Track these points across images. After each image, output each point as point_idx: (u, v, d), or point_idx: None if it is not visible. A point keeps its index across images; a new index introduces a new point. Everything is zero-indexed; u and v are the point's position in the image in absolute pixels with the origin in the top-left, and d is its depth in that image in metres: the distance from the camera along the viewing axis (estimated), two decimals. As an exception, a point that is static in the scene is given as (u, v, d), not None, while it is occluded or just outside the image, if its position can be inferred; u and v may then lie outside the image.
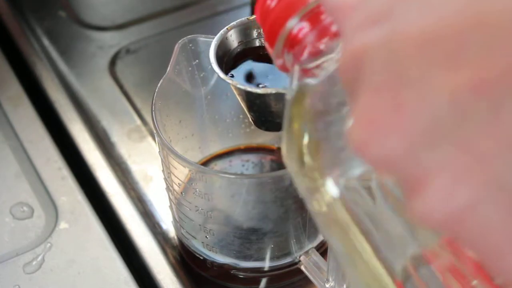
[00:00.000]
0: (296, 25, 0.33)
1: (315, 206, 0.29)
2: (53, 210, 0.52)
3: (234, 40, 0.41)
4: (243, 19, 0.41)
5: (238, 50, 0.41)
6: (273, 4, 0.34)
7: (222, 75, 0.39)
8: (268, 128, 0.42)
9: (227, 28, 0.41)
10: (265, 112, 0.40)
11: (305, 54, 0.32)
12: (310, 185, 0.28)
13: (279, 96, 0.38)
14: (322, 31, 0.32)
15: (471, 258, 0.26)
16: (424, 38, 0.22)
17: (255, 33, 0.41)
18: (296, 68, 0.31)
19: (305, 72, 0.31)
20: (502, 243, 0.21)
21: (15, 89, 0.61)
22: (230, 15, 0.69)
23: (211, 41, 0.41)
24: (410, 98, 0.22)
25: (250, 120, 0.42)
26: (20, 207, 0.52)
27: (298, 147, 0.29)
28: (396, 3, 0.23)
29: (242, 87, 0.38)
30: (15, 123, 0.58)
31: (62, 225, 0.51)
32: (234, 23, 0.41)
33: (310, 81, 0.30)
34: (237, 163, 0.54)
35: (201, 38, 0.45)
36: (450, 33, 0.21)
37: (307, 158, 0.29)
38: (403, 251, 0.27)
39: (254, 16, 0.40)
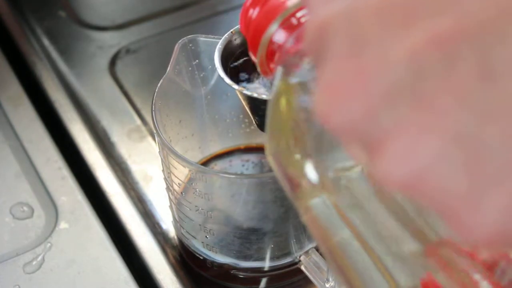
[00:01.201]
0: (277, 31, 0.33)
1: (301, 205, 0.29)
2: (53, 210, 0.52)
3: (238, 43, 0.41)
4: None
5: (243, 53, 0.41)
6: (254, 13, 0.35)
7: (228, 80, 0.39)
8: None
9: (231, 32, 0.41)
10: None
11: (288, 54, 0.32)
12: (294, 175, 0.29)
13: None
14: (302, 33, 0.32)
15: (472, 255, 0.26)
16: (381, 4, 0.22)
17: None
18: (279, 68, 0.31)
19: (288, 70, 0.31)
20: (462, 200, 0.21)
21: (15, 89, 0.61)
22: (230, 15, 0.69)
23: (211, 41, 0.41)
24: (369, 62, 0.22)
25: (254, 123, 0.42)
26: (20, 207, 0.52)
27: (284, 137, 0.29)
28: None
29: (248, 93, 0.38)
30: (15, 123, 0.58)
31: (62, 225, 0.51)
32: (238, 26, 0.41)
33: (293, 78, 0.30)
34: (237, 163, 0.54)
35: (201, 38, 0.45)
36: None
37: (291, 151, 0.29)
38: (398, 248, 0.27)
39: None
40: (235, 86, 0.39)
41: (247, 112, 0.41)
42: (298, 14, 0.33)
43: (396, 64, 0.21)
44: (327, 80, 0.23)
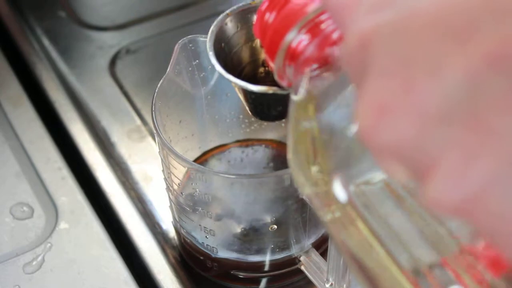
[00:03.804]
0: (296, 38, 0.32)
1: (327, 215, 0.28)
2: (53, 210, 0.52)
3: (233, 26, 0.40)
4: (244, 3, 0.40)
5: (237, 36, 0.40)
6: (271, 18, 0.34)
7: (218, 67, 0.38)
8: (263, 118, 0.41)
9: (227, 13, 0.40)
10: (260, 104, 0.39)
11: (310, 63, 0.32)
12: (319, 191, 0.28)
13: (276, 94, 0.38)
14: (323, 40, 0.32)
15: (489, 257, 0.25)
16: (432, 16, 0.21)
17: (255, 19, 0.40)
18: (305, 75, 0.31)
19: (311, 79, 0.30)
20: None
21: (15, 89, 0.61)
22: (230, 15, 0.69)
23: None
24: (420, 78, 0.21)
25: (247, 109, 0.41)
26: (20, 207, 0.52)
27: (305, 151, 0.29)
28: None
29: (239, 83, 0.37)
30: (15, 123, 0.58)
31: (62, 225, 0.51)
32: (234, 7, 0.40)
33: (317, 87, 0.30)
34: (236, 151, 0.54)
35: (201, 38, 0.45)
36: (459, 9, 0.20)
37: (314, 164, 0.28)
38: (416, 255, 0.27)
39: (255, 1, 0.39)
40: (226, 75, 0.38)
41: (248, 112, 0.41)
42: (319, 20, 0.32)
43: (451, 82, 0.20)
44: (373, 97, 0.22)
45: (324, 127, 0.28)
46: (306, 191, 0.29)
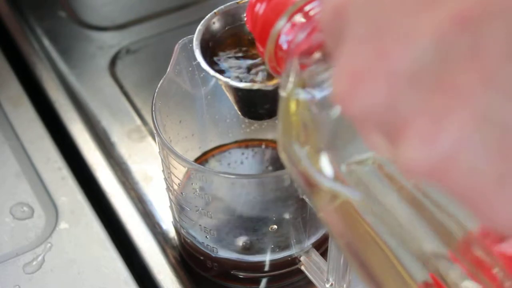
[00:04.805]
0: (286, 25, 0.33)
1: (317, 201, 0.28)
2: (53, 210, 0.52)
3: (220, 25, 0.40)
4: (231, 3, 0.40)
5: (225, 35, 0.40)
6: (261, 9, 0.34)
7: (204, 65, 0.38)
8: (252, 117, 0.41)
9: (214, 13, 0.40)
10: (248, 102, 0.40)
11: (299, 50, 0.32)
12: (306, 171, 0.28)
13: (261, 90, 0.38)
14: (312, 27, 0.32)
15: (500, 253, 0.25)
16: None
17: (243, 18, 0.41)
18: (294, 62, 0.31)
19: (299, 66, 0.30)
20: (491, 184, 0.20)
21: (15, 89, 0.61)
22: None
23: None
24: (391, 43, 0.21)
25: (236, 109, 0.41)
26: (20, 207, 0.52)
27: (295, 132, 0.29)
28: None
29: (223, 79, 0.38)
30: (15, 123, 0.58)
31: (62, 225, 0.51)
32: (222, 7, 0.40)
33: (304, 73, 0.30)
34: (236, 152, 0.54)
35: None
36: None
37: (304, 145, 0.28)
38: (413, 244, 0.27)
39: (243, 1, 0.40)
40: (212, 72, 0.38)
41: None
42: (307, 8, 0.32)
43: (420, 45, 0.20)
44: (346, 63, 0.22)
45: (314, 109, 0.28)
46: (295, 169, 0.29)
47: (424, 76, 0.20)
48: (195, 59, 0.46)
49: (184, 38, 0.45)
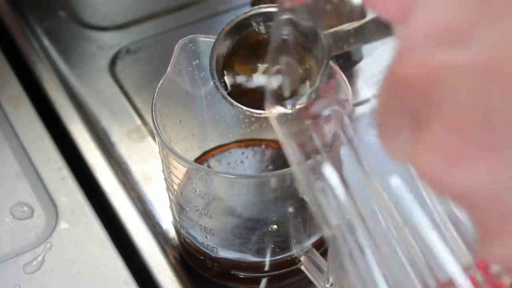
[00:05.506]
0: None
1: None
2: (53, 210, 0.52)
3: (230, 39, 0.41)
4: (239, 16, 0.41)
5: (233, 49, 0.41)
6: None
7: (221, 89, 0.39)
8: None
9: (223, 29, 0.40)
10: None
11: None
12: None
13: None
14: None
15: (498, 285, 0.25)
16: None
17: (251, 27, 0.41)
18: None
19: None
20: None
21: (15, 89, 0.60)
22: (230, 15, 0.69)
23: (211, 41, 0.41)
24: (504, 136, 0.19)
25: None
26: (20, 207, 0.52)
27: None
28: (475, 24, 0.20)
29: (243, 108, 0.39)
30: (15, 123, 0.58)
31: (62, 225, 0.51)
32: (230, 21, 0.41)
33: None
34: (236, 152, 0.54)
35: (201, 38, 0.45)
36: None
37: None
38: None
39: (250, 11, 0.40)
40: (233, 102, 0.39)
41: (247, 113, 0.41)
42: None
43: None
44: (444, 141, 0.20)
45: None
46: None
47: None
48: (195, 59, 0.46)
49: (184, 38, 0.45)
